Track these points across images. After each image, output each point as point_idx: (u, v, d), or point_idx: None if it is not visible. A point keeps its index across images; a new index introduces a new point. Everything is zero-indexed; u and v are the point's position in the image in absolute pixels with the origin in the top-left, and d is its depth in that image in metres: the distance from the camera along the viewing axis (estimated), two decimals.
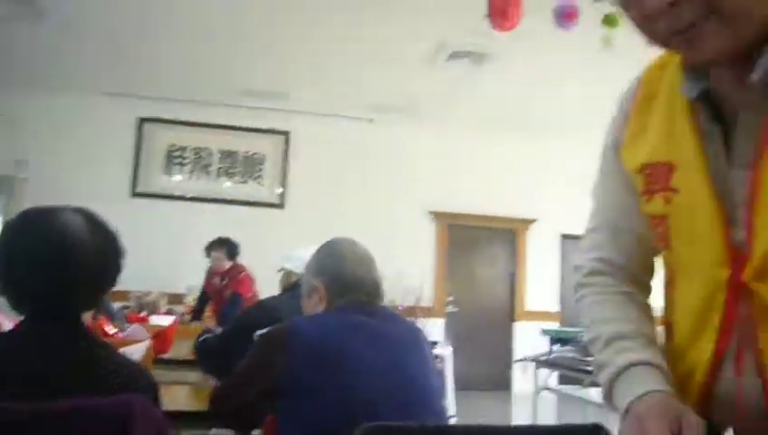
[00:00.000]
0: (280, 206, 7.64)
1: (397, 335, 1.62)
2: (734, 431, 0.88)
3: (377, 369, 1.50)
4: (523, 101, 6.83)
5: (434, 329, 7.11)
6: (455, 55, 5.68)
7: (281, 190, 7.66)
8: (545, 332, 5.31)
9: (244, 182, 7.61)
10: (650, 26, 0.80)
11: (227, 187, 7.57)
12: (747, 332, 0.83)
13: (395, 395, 1.49)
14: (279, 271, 2.92)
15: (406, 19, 5.07)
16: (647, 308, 0.99)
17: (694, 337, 0.89)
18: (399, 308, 6.85)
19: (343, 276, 1.68)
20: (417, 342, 1.66)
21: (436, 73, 6.14)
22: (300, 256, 2.47)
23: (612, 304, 0.98)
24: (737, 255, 0.83)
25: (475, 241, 8.14)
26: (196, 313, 5.69)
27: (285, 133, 7.68)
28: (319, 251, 1.77)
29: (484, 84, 6.39)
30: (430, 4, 4.80)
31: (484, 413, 6.54)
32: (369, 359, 1.51)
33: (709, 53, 0.79)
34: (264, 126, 7.62)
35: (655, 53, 0.95)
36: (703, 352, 0.88)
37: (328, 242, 1.78)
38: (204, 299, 5.75)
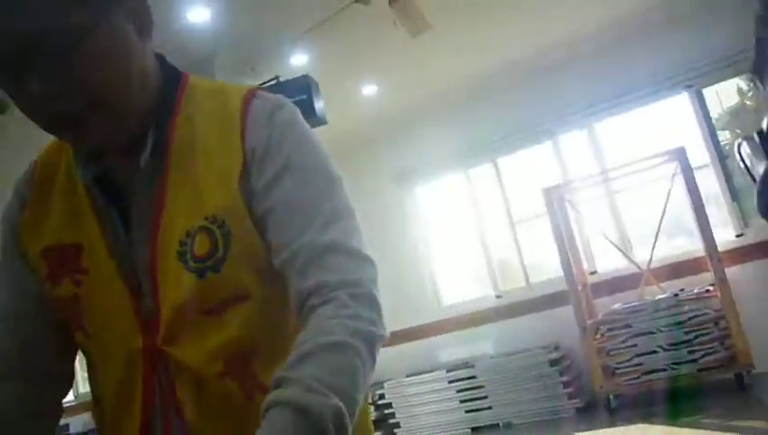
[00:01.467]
0: None
1: None
2: None
3: None
4: None
5: None
6: None
7: None
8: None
9: None
10: (36, 115, 0.79)
11: None
12: (168, 392, 0.87)
13: None
14: None
15: None
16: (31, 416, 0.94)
17: (121, 407, 0.90)
18: None
19: None
20: None
21: None
22: None
23: None
24: (148, 323, 0.87)
25: None
26: None
27: None
28: None
29: None
30: None
31: None
32: None
33: (94, 141, 0.83)
34: None
35: None
36: (131, 419, 0.89)
37: None
38: None
